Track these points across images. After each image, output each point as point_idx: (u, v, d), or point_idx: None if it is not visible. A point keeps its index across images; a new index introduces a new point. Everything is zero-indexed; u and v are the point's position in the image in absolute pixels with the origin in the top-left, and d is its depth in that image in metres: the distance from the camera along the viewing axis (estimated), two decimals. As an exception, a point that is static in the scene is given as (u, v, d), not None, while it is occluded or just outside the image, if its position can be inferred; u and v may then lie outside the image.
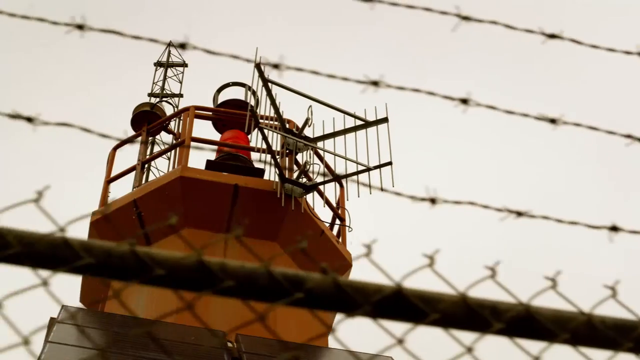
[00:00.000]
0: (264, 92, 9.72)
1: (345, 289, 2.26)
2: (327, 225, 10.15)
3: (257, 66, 9.48)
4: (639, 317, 2.37)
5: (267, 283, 2.25)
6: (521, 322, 2.29)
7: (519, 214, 2.44)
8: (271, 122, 9.79)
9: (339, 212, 10.28)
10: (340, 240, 10.19)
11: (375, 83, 2.49)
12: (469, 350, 2.22)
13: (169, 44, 11.42)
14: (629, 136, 2.56)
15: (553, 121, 2.51)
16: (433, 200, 2.45)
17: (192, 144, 9.99)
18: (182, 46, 2.47)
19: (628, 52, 2.60)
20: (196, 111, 10.36)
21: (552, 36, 2.57)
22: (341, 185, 10.24)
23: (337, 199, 10.31)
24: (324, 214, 10.27)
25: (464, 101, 2.50)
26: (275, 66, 2.61)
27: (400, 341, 2.21)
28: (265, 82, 9.67)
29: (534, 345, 2.31)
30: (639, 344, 2.31)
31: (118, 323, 8.61)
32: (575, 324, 2.31)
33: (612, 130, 2.57)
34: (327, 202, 9.95)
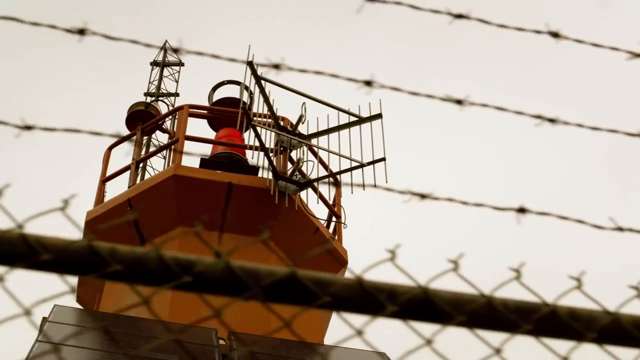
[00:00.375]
0: (257, 90, 9.70)
1: (237, 272, 2.23)
2: (323, 222, 10.12)
3: (250, 64, 9.46)
4: (542, 299, 2.33)
5: (157, 267, 2.22)
6: (417, 304, 2.25)
7: (423, 196, 2.40)
8: (265, 120, 9.77)
9: (335, 209, 10.25)
10: (336, 237, 10.15)
11: (276, 66, 2.46)
12: (359, 333, 2.18)
13: (165, 44, 11.44)
14: (538, 117, 2.51)
15: (459, 102, 2.47)
16: (306, 184, 2.41)
17: (187, 145, 9.98)
18: (92, 32, 2.44)
19: (538, 32, 2.56)
20: (190, 110, 10.36)
21: (459, 16, 2.53)
22: (337, 182, 10.20)
23: (333, 196, 10.28)
24: (321, 211, 10.25)
25: (368, 83, 2.47)
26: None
27: (287, 324, 2.18)
28: (258, 79, 9.65)
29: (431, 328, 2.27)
30: (539, 327, 2.26)
31: (110, 322, 8.60)
32: (474, 306, 2.26)
33: (521, 111, 2.53)
34: (322, 198, 9.91)
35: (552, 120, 2.50)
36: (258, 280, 2.21)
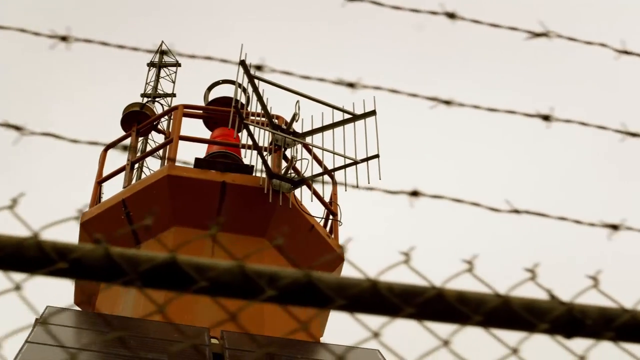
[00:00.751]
0: (251, 89, 9.70)
1: (116, 258, 2.21)
2: (320, 219, 10.08)
3: (242, 63, 9.45)
4: (431, 283, 2.30)
5: (35, 254, 2.20)
6: (298, 289, 2.23)
7: (305, 180, 2.37)
8: (258, 119, 9.76)
9: (331, 206, 10.21)
10: (332, 235, 10.12)
11: (163, 52, 2.45)
12: (233, 316, 2.16)
13: (161, 44, 11.44)
14: (434, 98, 2.48)
15: (351, 85, 2.45)
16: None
17: (182, 145, 9.98)
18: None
19: (434, 13, 2.53)
20: (185, 110, 10.36)
21: (351, -1, 2.50)
22: (333, 180, 10.17)
23: (328, 193, 10.25)
24: (317, 209, 10.22)
25: (258, 67, 2.46)
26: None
27: (161, 308, 2.16)
28: (251, 78, 9.63)
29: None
30: (422, 310, 2.23)
31: (102, 322, 8.61)
32: (357, 290, 2.24)
33: (416, 93, 2.50)
34: (316, 195, 9.87)
35: (447, 102, 2.47)
36: (136, 266, 2.20)
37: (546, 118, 2.49)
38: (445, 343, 2.19)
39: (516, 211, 2.43)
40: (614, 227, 2.46)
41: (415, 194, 2.42)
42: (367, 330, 2.17)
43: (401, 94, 2.48)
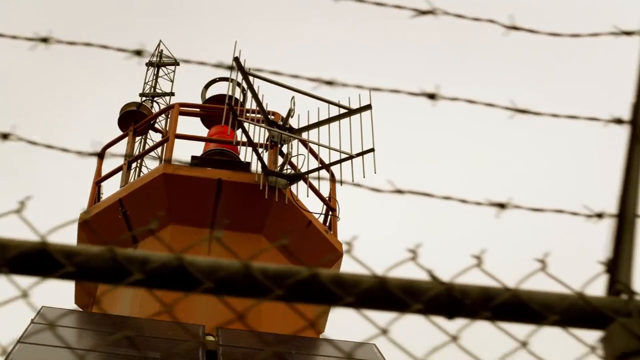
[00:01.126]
0: (245, 85, 9.69)
1: (-15, 246, 2.21)
2: (318, 215, 10.06)
3: (236, 60, 9.45)
4: (306, 267, 2.28)
5: None
6: (167, 272, 2.22)
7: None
8: (253, 115, 9.75)
9: (330, 202, 10.19)
10: (331, 230, 10.09)
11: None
12: (97, 301, 2.15)
13: (159, 44, 11.48)
14: (315, 79, 2.47)
15: (230, 67, 2.43)
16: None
17: (178, 144, 10.00)
18: None
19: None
20: (181, 108, 10.37)
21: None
22: (333, 176, 10.14)
23: (326, 188, 10.23)
24: (315, 205, 10.20)
25: (138, 53, 2.45)
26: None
27: (24, 295, 2.16)
28: (245, 75, 9.63)
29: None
30: (291, 292, 2.22)
31: (96, 322, 8.64)
32: (227, 272, 2.22)
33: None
34: (313, 190, 9.85)
35: (329, 83, 2.46)
36: (4, 253, 2.19)
37: (432, 97, 2.46)
38: (312, 325, 2.17)
39: (399, 191, 2.40)
40: (501, 206, 2.43)
41: (294, 179, 2.39)
42: (232, 312, 2.16)
43: (283, 75, 2.47)
